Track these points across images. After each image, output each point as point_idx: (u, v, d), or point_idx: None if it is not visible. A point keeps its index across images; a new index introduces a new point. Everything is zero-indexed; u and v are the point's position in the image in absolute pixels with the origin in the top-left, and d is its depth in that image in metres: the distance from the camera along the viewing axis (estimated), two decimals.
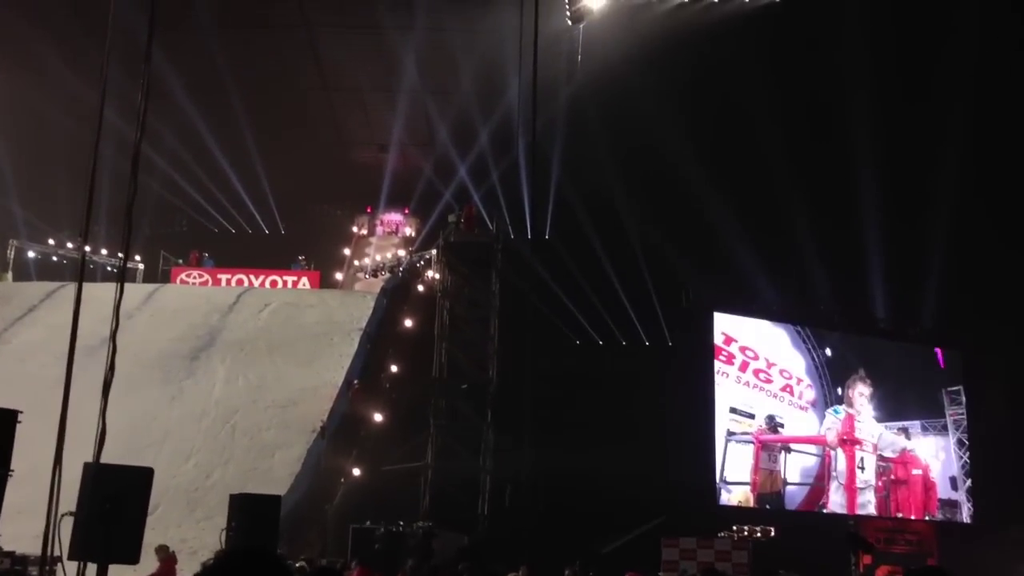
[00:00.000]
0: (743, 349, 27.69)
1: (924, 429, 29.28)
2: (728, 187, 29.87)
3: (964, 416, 29.35)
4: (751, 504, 26.16)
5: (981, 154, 29.00)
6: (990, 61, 27.78)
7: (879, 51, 28.60)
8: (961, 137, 28.03)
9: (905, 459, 28.77)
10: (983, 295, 28.56)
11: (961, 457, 29.21)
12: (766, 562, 20.85)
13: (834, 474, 27.44)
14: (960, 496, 29.09)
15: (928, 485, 28.73)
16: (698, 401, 25.65)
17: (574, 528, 21.89)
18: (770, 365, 28.17)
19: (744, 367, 27.59)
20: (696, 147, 29.67)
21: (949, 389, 29.66)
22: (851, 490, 27.50)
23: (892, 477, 28.55)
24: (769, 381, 27.90)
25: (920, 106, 29.33)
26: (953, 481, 29.10)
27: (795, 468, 27.34)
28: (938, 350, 29.93)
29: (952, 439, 29.38)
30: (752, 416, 27.02)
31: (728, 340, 26.97)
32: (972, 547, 25.77)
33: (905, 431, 29.01)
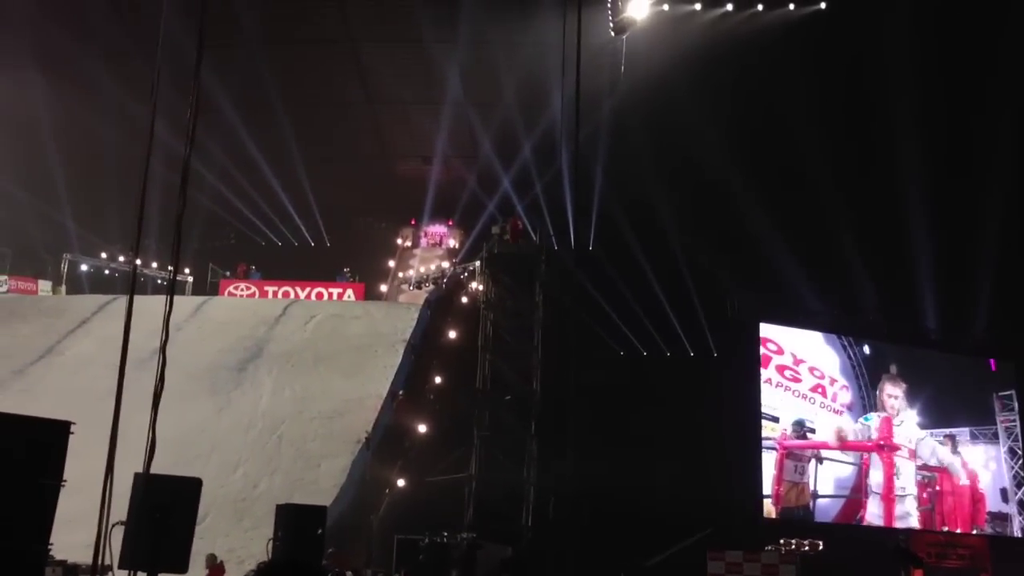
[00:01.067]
0: (764, 341, 25.67)
1: (973, 437, 27.75)
2: (773, 197, 29.59)
3: (1016, 423, 27.88)
4: (772, 519, 24.79)
5: None
6: None
7: (926, 58, 28.20)
8: (1011, 143, 27.52)
9: (952, 469, 27.21)
10: None
11: (1012, 467, 27.84)
12: None
13: (870, 484, 25.70)
14: (1011, 509, 27.75)
15: (976, 497, 27.26)
16: (744, 413, 25.35)
17: (619, 540, 21.75)
18: (797, 362, 25.77)
19: (766, 362, 25.51)
20: (740, 156, 29.46)
21: (1001, 394, 28.27)
22: (888, 500, 25.96)
23: (937, 488, 26.93)
24: (797, 380, 25.67)
25: (968, 112, 28.85)
26: (1004, 493, 27.72)
27: (828, 479, 25.40)
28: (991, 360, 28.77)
29: (1003, 448, 27.92)
30: (776, 419, 25.12)
31: None
32: None
33: (952, 439, 27.33)
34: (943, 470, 27.15)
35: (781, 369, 25.72)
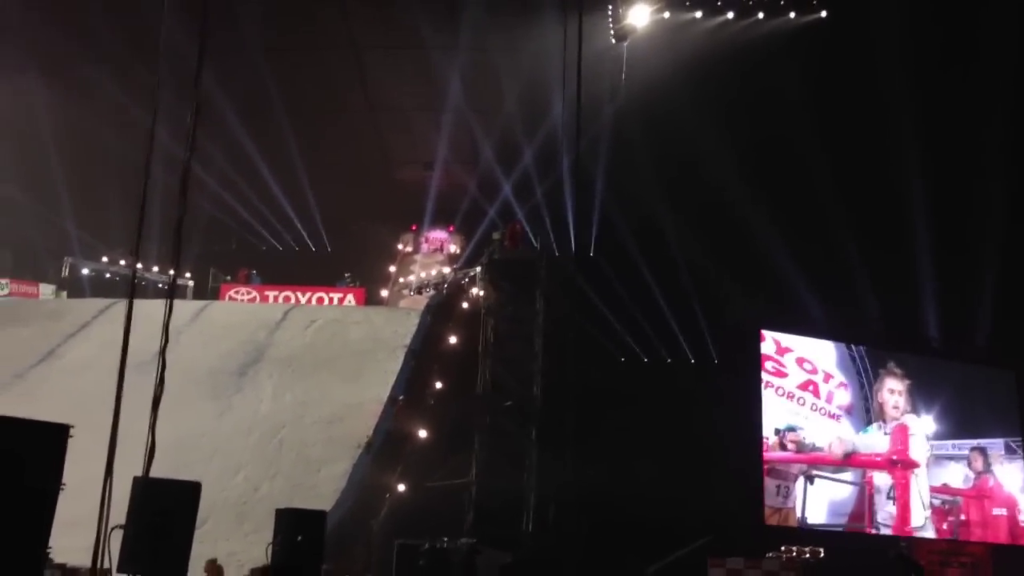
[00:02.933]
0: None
1: (1010, 451, 23.35)
2: (775, 203, 29.57)
3: None
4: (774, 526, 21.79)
5: None
6: None
7: (928, 66, 28.24)
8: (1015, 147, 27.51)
9: (981, 491, 22.70)
10: None
11: None
12: None
13: (880, 511, 21.92)
14: None
15: (1017, 532, 23.08)
16: (745, 418, 25.27)
17: (619, 546, 21.72)
18: (782, 351, 22.04)
19: None
20: (742, 163, 29.47)
21: None
22: (904, 533, 22.22)
23: (961, 518, 22.63)
24: (782, 374, 22.10)
25: (973, 120, 28.83)
26: None
27: (819, 503, 21.65)
28: None
29: None
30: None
31: None
32: None
33: (983, 454, 22.85)
34: (971, 493, 22.67)
35: (762, 360, 22.34)
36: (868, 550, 24.34)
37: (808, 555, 22.60)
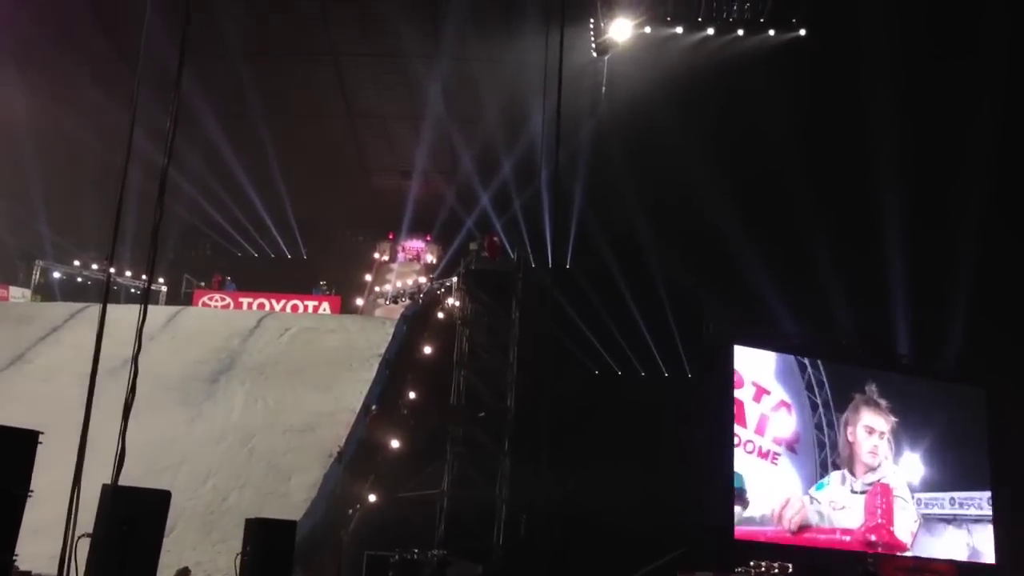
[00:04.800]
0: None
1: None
2: (752, 220, 29.80)
3: None
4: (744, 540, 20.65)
5: (1010, 182, 28.77)
6: (1019, 88, 27.64)
7: (904, 84, 28.60)
8: (991, 164, 27.84)
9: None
10: (1013, 329, 27.67)
11: None
12: None
13: None
14: None
15: None
16: (717, 433, 25.40)
17: (590, 559, 21.73)
18: None
19: None
20: (719, 179, 29.68)
21: None
22: None
23: None
24: None
25: (949, 139, 29.21)
26: None
27: None
28: None
29: None
30: None
31: None
32: None
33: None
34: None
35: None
36: (836, 565, 24.51)
37: (777, 570, 22.67)
